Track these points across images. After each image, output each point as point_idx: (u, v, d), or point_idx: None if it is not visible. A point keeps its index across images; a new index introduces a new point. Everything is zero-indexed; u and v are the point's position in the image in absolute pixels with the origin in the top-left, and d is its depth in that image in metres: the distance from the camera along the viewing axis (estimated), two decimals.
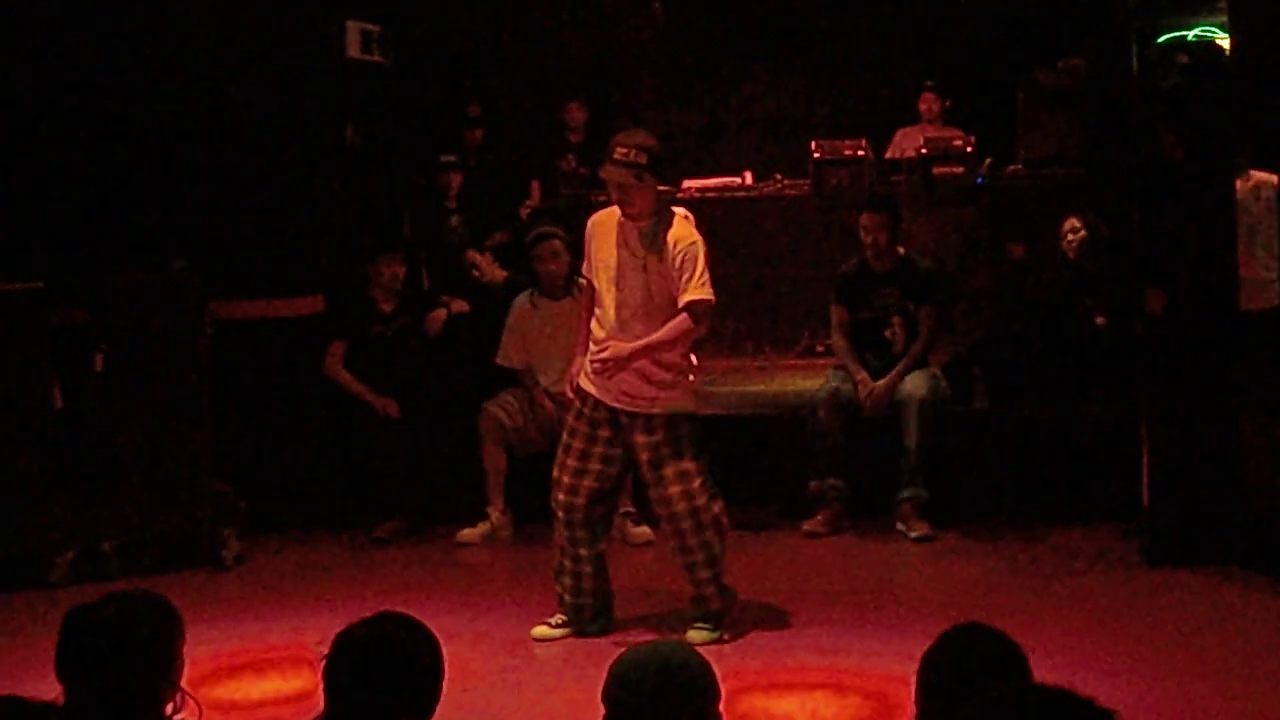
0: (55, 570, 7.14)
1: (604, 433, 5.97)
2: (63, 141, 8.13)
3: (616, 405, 5.92)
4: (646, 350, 5.79)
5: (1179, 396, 6.84)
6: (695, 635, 5.91)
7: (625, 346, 5.78)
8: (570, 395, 6.11)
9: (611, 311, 5.89)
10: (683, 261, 5.81)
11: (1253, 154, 7.42)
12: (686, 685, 2.75)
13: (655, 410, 5.88)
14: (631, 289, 5.86)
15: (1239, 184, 7.33)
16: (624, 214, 5.90)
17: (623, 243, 5.91)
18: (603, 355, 5.84)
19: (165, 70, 8.31)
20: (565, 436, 6.07)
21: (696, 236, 5.91)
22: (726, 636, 6.02)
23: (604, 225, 6.02)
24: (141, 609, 3.13)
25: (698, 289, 5.80)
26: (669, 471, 5.89)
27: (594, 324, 5.98)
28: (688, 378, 5.99)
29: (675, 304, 5.83)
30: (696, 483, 5.91)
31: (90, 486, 7.38)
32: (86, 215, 8.06)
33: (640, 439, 5.90)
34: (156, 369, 7.48)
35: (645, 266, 5.84)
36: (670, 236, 5.85)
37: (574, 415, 6.04)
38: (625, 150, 5.80)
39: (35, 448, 7.24)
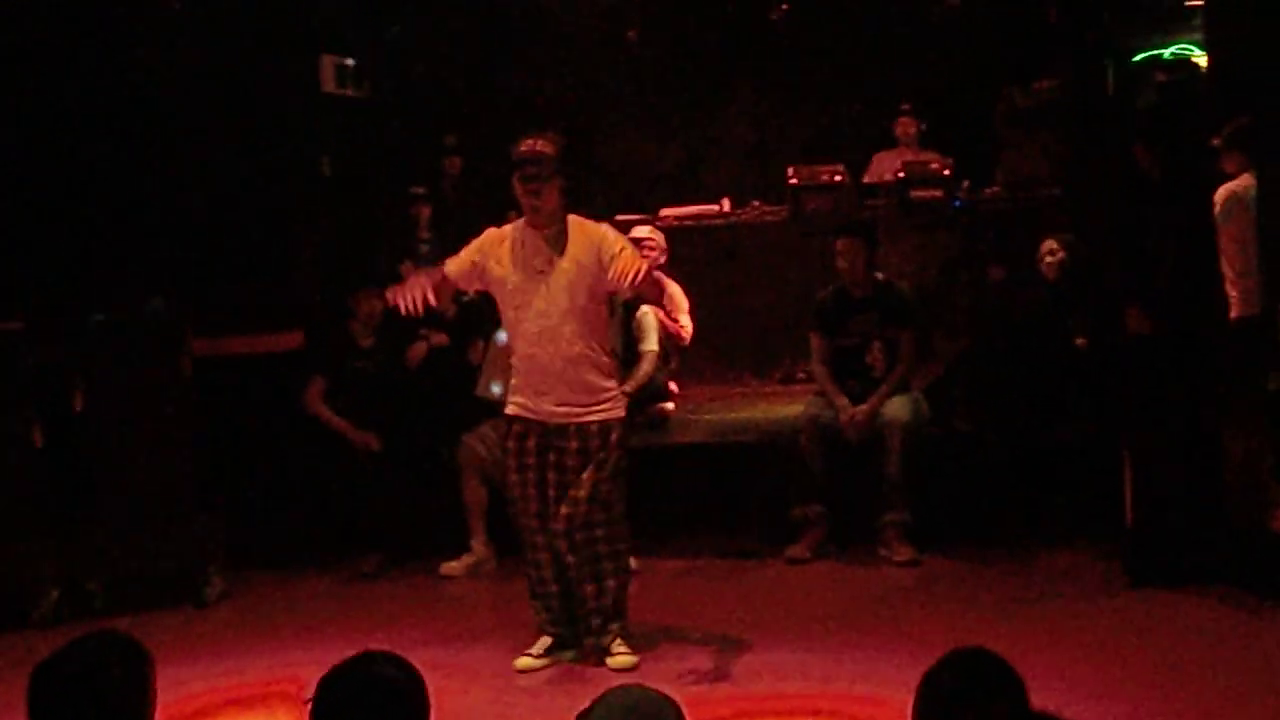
0: (40, 609, 7.11)
1: (538, 452, 5.97)
2: (39, 181, 8.11)
3: (551, 421, 5.93)
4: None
5: (1160, 415, 6.85)
6: (622, 660, 5.96)
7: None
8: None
9: (527, 324, 5.90)
10: (611, 254, 5.88)
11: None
12: None
13: (591, 418, 5.91)
14: (551, 299, 5.87)
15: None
16: (531, 218, 5.94)
17: (524, 259, 5.93)
18: (548, 378, 5.90)
19: (141, 107, 8.30)
20: (510, 460, 6.06)
21: (604, 226, 6.07)
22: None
23: (499, 242, 6.03)
24: (107, 652, 3.07)
25: (635, 261, 5.93)
26: (588, 478, 5.89)
27: (522, 357, 5.97)
28: (618, 384, 6.10)
29: (600, 299, 5.93)
30: (615, 493, 5.96)
31: (73, 525, 7.35)
32: (64, 255, 8.04)
33: (572, 445, 5.91)
34: (137, 407, 7.46)
35: (558, 271, 5.87)
36: (580, 238, 5.91)
37: (512, 439, 6.04)
38: (531, 143, 5.92)
39: (16, 487, 7.21)
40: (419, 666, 3.03)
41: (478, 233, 8.28)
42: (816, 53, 11.41)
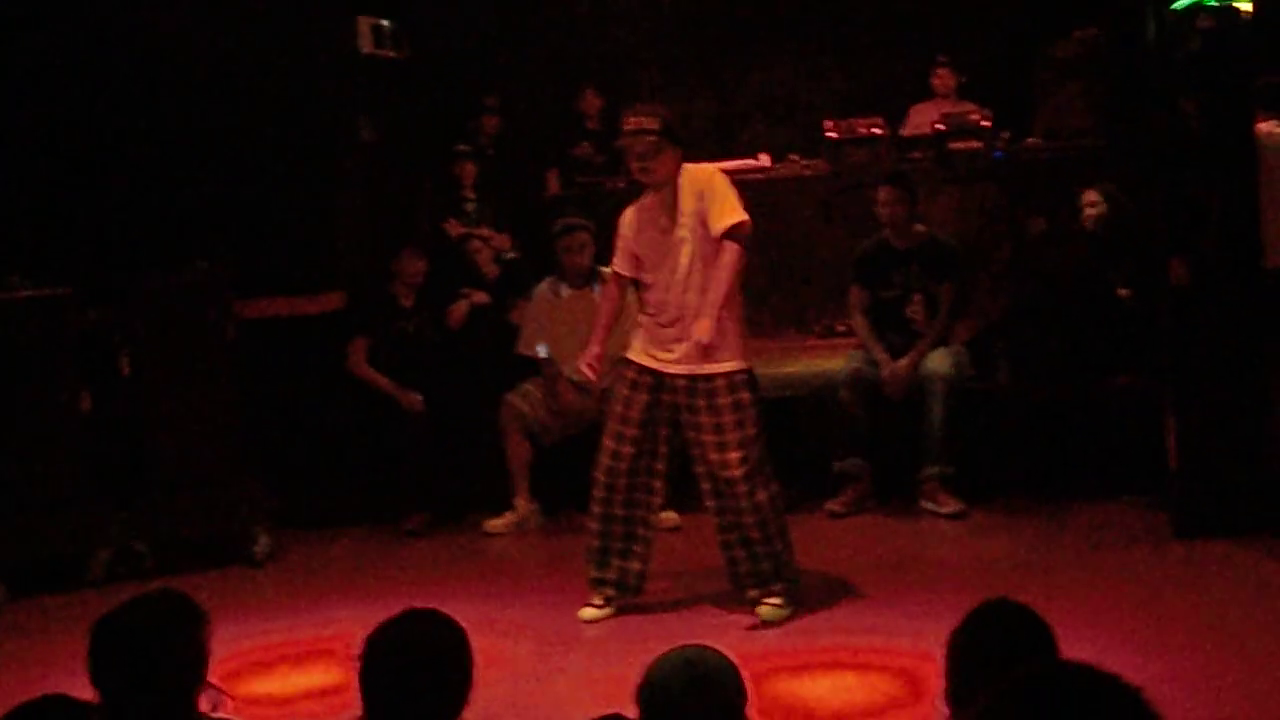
0: (91, 571, 7.22)
1: (651, 400, 6.02)
2: (82, 146, 8.18)
3: (667, 371, 5.96)
4: (716, 306, 5.82)
5: (1205, 365, 6.81)
6: (769, 612, 5.97)
7: (703, 324, 5.80)
8: (591, 377, 6.24)
9: (667, 292, 5.97)
10: (710, 197, 5.90)
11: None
12: (718, 690, 2.76)
13: (720, 368, 5.92)
14: (677, 262, 5.94)
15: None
16: (647, 185, 6.02)
17: (653, 224, 6.02)
18: (673, 329, 5.93)
19: (180, 71, 8.35)
20: (618, 407, 6.09)
21: (711, 169, 6.10)
22: (794, 611, 6.05)
23: (634, 217, 6.14)
24: (164, 610, 3.16)
25: (729, 213, 5.88)
26: (730, 437, 5.91)
27: (652, 306, 6.05)
28: (738, 332, 6.08)
29: (717, 250, 5.89)
30: (754, 447, 5.95)
31: (122, 487, 7.44)
32: (109, 219, 8.12)
33: (701, 401, 5.93)
34: (183, 369, 7.53)
35: (679, 228, 5.93)
36: (687, 187, 5.94)
37: (627, 385, 6.09)
38: (637, 120, 5.95)
39: (66, 451, 7.31)
40: (463, 623, 3.08)
41: (519, 190, 8.37)
42: (852, 4, 11.32)
